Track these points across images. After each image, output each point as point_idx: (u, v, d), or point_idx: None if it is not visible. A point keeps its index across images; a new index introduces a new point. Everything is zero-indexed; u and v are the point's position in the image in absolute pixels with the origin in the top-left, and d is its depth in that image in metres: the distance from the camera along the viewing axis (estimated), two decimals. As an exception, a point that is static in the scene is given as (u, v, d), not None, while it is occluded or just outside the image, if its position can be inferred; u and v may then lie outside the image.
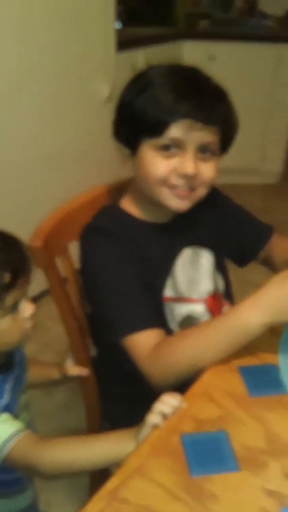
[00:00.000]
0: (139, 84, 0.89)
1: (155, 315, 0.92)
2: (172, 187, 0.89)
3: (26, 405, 0.92)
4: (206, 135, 0.87)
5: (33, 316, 0.80)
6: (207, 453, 0.68)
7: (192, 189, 0.90)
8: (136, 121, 0.87)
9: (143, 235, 0.97)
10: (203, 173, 0.89)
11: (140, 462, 0.67)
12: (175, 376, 0.84)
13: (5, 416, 0.78)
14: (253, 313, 0.77)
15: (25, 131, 1.86)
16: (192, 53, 2.98)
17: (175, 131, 0.85)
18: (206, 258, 1.05)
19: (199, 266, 1.04)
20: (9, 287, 0.73)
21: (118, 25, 2.82)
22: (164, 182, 0.89)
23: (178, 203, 0.91)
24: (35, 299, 2.12)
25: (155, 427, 0.71)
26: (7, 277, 0.73)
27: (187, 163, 0.86)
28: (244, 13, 3.31)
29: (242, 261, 1.15)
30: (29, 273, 0.77)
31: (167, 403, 0.72)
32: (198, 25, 3.10)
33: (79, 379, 1.07)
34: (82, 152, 1.94)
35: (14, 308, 0.76)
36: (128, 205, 0.99)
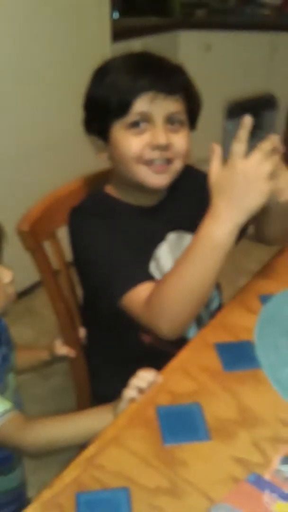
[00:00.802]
0: (99, 75, 0.92)
1: (145, 271, 0.94)
2: (148, 163, 0.90)
3: (15, 388, 0.94)
4: (170, 104, 0.89)
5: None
6: (180, 423, 0.70)
7: (168, 162, 0.92)
8: (102, 108, 0.90)
9: (128, 218, 0.98)
10: (176, 144, 0.91)
11: (117, 432, 0.69)
12: (178, 319, 0.84)
13: None
14: (216, 227, 0.78)
15: (22, 122, 1.88)
16: (189, 42, 2.97)
17: (140, 105, 0.87)
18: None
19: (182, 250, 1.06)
20: None
21: (114, 15, 2.83)
22: (140, 158, 0.90)
23: (156, 178, 0.92)
24: (32, 288, 2.14)
25: (132, 400, 0.74)
26: None
27: (158, 134, 0.88)
28: (241, 2, 3.29)
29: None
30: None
31: (143, 378, 0.75)
32: (195, 14, 3.09)
33: (69, 361, 1.10)
34: (79, 141, 1.95)
35: None
36: (113, 191, 1.00)
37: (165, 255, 1.02)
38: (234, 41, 3.00)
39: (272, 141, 0.76)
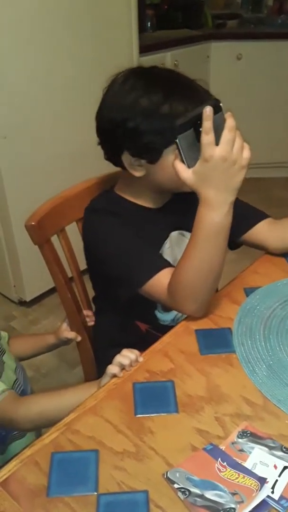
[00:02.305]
0: (146, 109, 0.88)
1: (162, 258, 0.98)
2: None
3: (15, 368, 1.01)
4: None
5: None
6: (153, 397, 0.76)
7: None
8: (160, 137, 0.88)
9: (138, 217, 1.03)
10: None
11: (95, 403, 0.76)
12: (200, 297, 0.88)
13: None
14: (214, 214, 0.82)
15: (50, 135, 1.95)
16: (220, 53, 3.00)
17: None
18: None
19: (184, 248, 1.10)
20: None
21: (148, 29, 2.91)
22: None
23: None
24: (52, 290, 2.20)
25: (114, 376, 0.80)
26: None
27: None
28: (274, 12, 3.29)
29: (230, 244, 1.20)
30: None
31: (126, 355, 0.81)
32: (226, 26, 3.11)
33: (77, 345, 1.18)
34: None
35: None
36: (122, 192, 1.06)
37: (166, 251, 1.07)
38: (265, 51, 3.01)
39: (230, 115, 0.79)
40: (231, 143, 0.79)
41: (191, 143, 0.79)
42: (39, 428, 0.92)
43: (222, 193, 0.81)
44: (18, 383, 0.98)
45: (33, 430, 0.96)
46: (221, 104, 0.80)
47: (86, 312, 1.16)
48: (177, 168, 0.81)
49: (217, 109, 0.78)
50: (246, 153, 0.81)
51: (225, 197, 0.82)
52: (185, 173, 0.81)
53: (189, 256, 0.86)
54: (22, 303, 2.21)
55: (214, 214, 0.82)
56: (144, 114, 0.89)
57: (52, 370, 1.93)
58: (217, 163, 0.79)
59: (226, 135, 0.78)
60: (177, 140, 0.78)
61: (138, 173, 0.95)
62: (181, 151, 0.79)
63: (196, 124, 0.77)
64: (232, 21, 3.15)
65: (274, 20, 3.17)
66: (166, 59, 2.68)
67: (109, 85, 0.95)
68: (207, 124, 0.76)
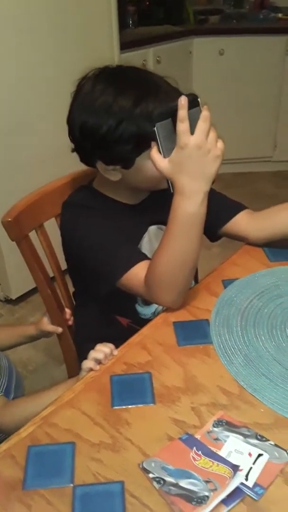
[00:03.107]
0: (116, 112, 0.87)
1: (139, 251, 0.98)
2: None
3: (6, 368, 1.01)
4: None
5: None
6: (130, 389, 0.76)
7: None
8: (133, 143, 0.88)
9: (115, 212, 1.03)
10: None
11: (72, 396, 0.76)
12: (176, 288, 0.88)
13: None
14: (189, 203, 0.82)
15: (28, 131, 1.95)
16: (202, 49, 3.01)
17: None
18: None
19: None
20: None
21: (129, 25, 2.90)
22: None
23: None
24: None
25: (91, 370, 0.80)
26: None
27: None
28: (256, 7, 3.30)
29: (210, 236, 1.21)
30: None
31: (100, 350, 0.81)
32: (208, 21, 3.12)
33: (59, 341, 1.17)
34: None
35: None
36: (100, 187, 1.06)
37: (145, 246, 1.07)
38: (247, 46, 3.01)
39: (206, 108, 0.80)
40: (205, 132, 0.80)
41: (168, 133, 0.80)
42: None
43: (196, 181, 0.82)
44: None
45: None
46: (199, 99, 0.81)
47: (66, 311, 1.16)
48: (154, 158, 0.82)
49: (195, 103, 0.79)
50: (221, 144, 0.82)
51: (199, 186, 0.82)
52: (162, 162, 0.82)
53: (164, 247, 0.87)
54: (8, 301, 2.20)
55: (188, 203, 0.83)
56: (115, 121, 0.87)
57: (39, 366, 1.93)
58: (192, 151, 0.80)
59: (200, 125, 0.79)
60: (155, 129, 0.79)
61: (113, 178, 0.95)
62: (158, 140, 0.79)
63: (174, 115, 0.78)
64: (214, 17, 3.15)
65: (256, 15, 3.18)
66: (148, 55, 2.68)
67: (78, 89, 0.93)
68: (182, 112, 0.77)
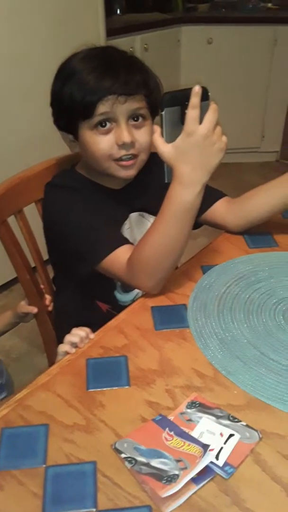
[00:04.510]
0: (64, 73, 0.94)
1: (121, 235, 0.99)
2: (117, 159, 0.95)
3: None
4: (131, 104, 0.92)
5: None
6: (105, 372, 0.76)
7: (134, 156, 0.96)
8: (68, 108, 0.93)
9: (98, 196, 1.02)
10: (140, 139, 0.95)
11: (48, 379, 0.76)
12: (158, 274, 0.89)
13: None
14: (186, 192, 0.82)
15: (14, 115, 1.94)
16: (190, 37, 3.00)
17: (103, 108, 0.90)
18: (151, 223, 1.11)
19: (144, 229, 1.10)
20: None
21: (117, 11, 2.88)
22: (108, 156, 0.94)
23: (125, 172, 0.97)
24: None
25: (67, 353, 0.80)
26: None
27: (122, 133, 0.92)
28: (245, -4, 3.29)
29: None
30: None
31: (75, 334, 0.81)
32: (197, 9, 3.10)
33: (39, 327, 1.18)
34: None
35: None
36: (82, 170, 1.06)
37: (126, 232, 1.07)
38: (236, 35, 3.01)
39: (214, 103, 0.81)
40: (213, 123, 0.80)
41: (175, 121, 0.80)
42: None
43: (197, 171, 0.82)
44: None
45: None
46: (209, 94, 0.81)
47: (46, 297, 1.16)
48: (156, 141, 0.82)
49: (205, 97, 0.80)
50: (225, 138, 0.83)
51: (200, 176, 0.82)
52: (164, 147, 0.82)
53: (155, 232, 0.87)
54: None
55: (186, 192, 0.83)
56: (61, 81, 0.93)
57: (22, 354, 1.93)
58: (199, 139, 0.80)
59: (209, 115, 0.80)
60: (162, 113, 0.79)
61: (73, 149, 1.00)
62: (164, 124, 0.80)
63: (183, 104, 0.79)
64: (203, 5, 3.15)
65: (245, 5, 3.18)
66: (135, 42, 2.66)
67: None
68: (195, 100, 0.78)
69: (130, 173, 0.98)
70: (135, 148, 0.95)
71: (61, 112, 0.97)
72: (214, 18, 3.06)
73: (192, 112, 0.79)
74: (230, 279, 0.95)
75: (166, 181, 0.84)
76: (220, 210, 1.10)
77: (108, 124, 0.92)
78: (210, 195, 1.12)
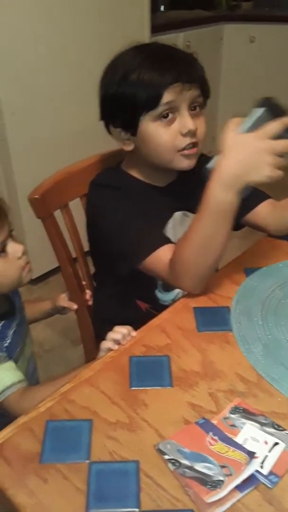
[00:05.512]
0: (116, 73, 0.93)
1: (164, 235, 0.98)
2: (180, 149, 0.94)
3: (29, 357, 1.01)
4: (194, 91, 0.92)
5: (25, 253, 0.89)
6: (148, 371, 0.76)
7: (195, 145, 0.95)
8: (130, 104, 0.92)
9: (142, 194, 1.02)
10: (199, 128, 0.95)
11: (91, 374, 0.76)
12: (200, 274, 0.88)
13: (11, 364, 0.87)
14: (220, 190, 0.80)
15: (58, 113, 1.95)
16: (233, 35, 2.95)
17: (168, 97, 0.90)
18: None
19: (186, 229, 1.09)
20: None
21: (161, 8, 2.85)
22: (174, 148, 0.94)
23: (186, 162, 0.96)
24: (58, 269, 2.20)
25: (109, 350, 0.80)
26: None
27: (187, 121, 0.92)
28: (289, -5, 3.21)
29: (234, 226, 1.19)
30: (4, 219, 0.84)
31: (118, 331, 0.80)
32: (240, 7, 3.05)
33: (78, 322, 1.18)
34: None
35: (0, 251, 0.85)
36: (128, 168, 1.05)
37: (169, 231, 1.06)
38: (279, 34, 2.94)
39: None
40: (285, 149, 0.78)
41: (262, 120, 0.79)
42: None
43: (245, 171, 0.79)
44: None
45: None
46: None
47: (86, 292, 1.16)
48: (230, 125, 0.80)
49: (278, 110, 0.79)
50: (279, 160, 0.79)
51: (245, 177, 0.80)
52: (232, 132, 0.80)
53: (195, 231, 0.85)
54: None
55: (228, 191, 0.80)
56: (116, 80, 0.92)
57: (55, 346, 1.95)
58: (266, 146, 0.78)
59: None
60: (258, 109, 0.79)
61: (127, 147, 0.98)
62: (251, 119, 0.79)
63: (276, 115, 0.78)
64: (247, 3, 3.09)
65: (289, 3, 3.10)
66: (178, 39, 2.64)
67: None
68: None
69: (191, 162, 0.97)
70: (196, 136, 0.95)
71: (120, 111, 0.95)
72: (257, 17, 3.00)
73: (276, 125, 0.77)
74: (274, 283, 0.93)
75: (207, 166, 0.82)
76: (263, 212, 1.08)
77: (170, 115, 0.92)
78: (254, 196, 1.10)
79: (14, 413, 0.85)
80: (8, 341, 0.91)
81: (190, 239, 0.86)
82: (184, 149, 0.94)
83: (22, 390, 0.85)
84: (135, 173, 1.03)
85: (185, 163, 0.96)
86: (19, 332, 0.95)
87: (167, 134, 0.93)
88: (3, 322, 0.91)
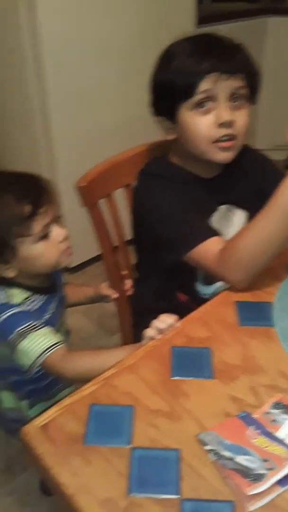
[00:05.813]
0: (165, 60, 0.94)
1: (211, 226, 0.98)
2: (216, 140, 0.94)
3: (65, 331, 1.04)
4: (233, 82, 0.91)
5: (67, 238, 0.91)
6: (190, 362, 0.76)
7: (232, 138, 0.94)
8: (169, 91, 0.92)
9: (189, 185, 1.02)
10: (238, 120, 0.93)
11: (133, 361, 0.77)
12: (253, 269, 0.87)
13: (49, 329, 0.90)
14: None
15: (106, 101, 1.95)
16: (277, 29, 2.88)
17: (204, 86, 0.89)
18: (238, 217, 1.07)
19: (229, 224, 1.07)
20: (31, 216, 0.84)
21: (204, 0, 2.81)
22: (209, 139, 0.93)
23: (223, 155, 0.96)
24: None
25: (152, 339, 0.80)
26: (27, 208, 0.83)
27: (222, 111, 0.91)
28: None
29: None
30: (51, 203, 0.87)
31: (163, 320, 0.81)
32: (285, 0, 2.97)
33: (118, 311, 1.19)
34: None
35: (44, 234, 0.87)
36: (175, 159, 1.04)
37: (214, 224, 1.06)
38: None
39: None
40: None
41: None
42: (82, 381, 0.94)
43: None
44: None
45: (77, 382, 0.99)
46: None
47: (126, 281, 1.17)
48: None
49: None
50: None
51: None
52: None
53: (258, 226, 0.85)
54: (66, 268, 2.24)
55: None
56: (160, 67, 0.94)
57: (90, 335, 1.96)
58: None
59: None
60: None
61: (170, 136, 0.98)
62: None
63: None
64: (293, -4, 3.00)
65: None
66: (221, 32, 2.59)
67: None
68: None
69: (228, 156, 0.96)
70: (234, 128, 0.93)
71: (162, 98, 0.96)
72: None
73: None
74: None
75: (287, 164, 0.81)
76: None
77: (207, 104, 0.91)
78: None
79: (57, 372, 0.87)
80: (48, 315, 0.94)
81: (250, 233, 0.85)
82: (219, 140, 0.93)
83: (63, 352, 0.87)
84: (182, 164, 1.03)
85: (221, 156, 0.95)
86: (58, 309, 0.98)
87: (202, 123, 0.92)
88: (46, 296, 0.94)
